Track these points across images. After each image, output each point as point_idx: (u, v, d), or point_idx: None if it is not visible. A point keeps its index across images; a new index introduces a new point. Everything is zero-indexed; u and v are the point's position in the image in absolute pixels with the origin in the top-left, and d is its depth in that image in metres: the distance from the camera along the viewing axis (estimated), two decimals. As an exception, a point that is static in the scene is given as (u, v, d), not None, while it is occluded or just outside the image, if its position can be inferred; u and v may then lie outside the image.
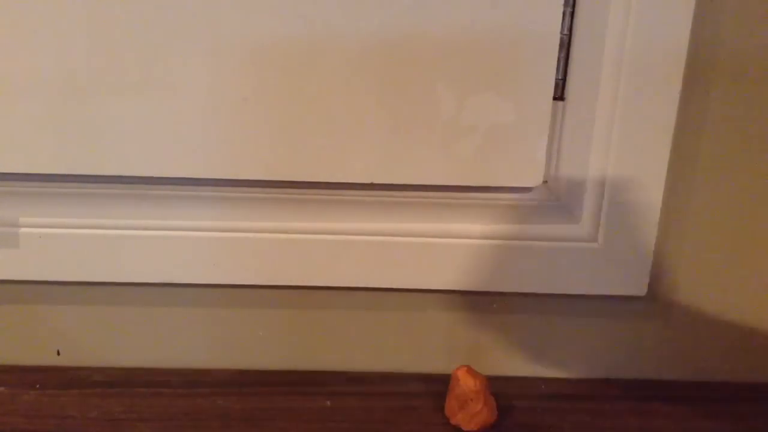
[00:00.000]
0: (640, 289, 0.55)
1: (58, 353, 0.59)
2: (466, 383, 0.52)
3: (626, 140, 0.51)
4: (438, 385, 0.56)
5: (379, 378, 0.59)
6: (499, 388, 0.56)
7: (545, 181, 0.53)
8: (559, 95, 0.51)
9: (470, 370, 0.52)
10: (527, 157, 0.51)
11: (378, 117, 0.50)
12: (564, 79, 0.51)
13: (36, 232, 0.54)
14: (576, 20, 0.49)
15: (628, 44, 0.48)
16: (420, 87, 0.49)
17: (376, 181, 0.52)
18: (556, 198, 0.54)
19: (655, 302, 0.58)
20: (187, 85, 0.49)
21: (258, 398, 0.56)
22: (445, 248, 0.54)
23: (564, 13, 0.49)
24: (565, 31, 0.50)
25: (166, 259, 0.54)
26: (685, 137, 0.53)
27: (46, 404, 0.55)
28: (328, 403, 0.56)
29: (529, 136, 0.51)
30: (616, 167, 0.51)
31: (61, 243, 0.54)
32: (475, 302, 0.58)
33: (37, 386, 0.57)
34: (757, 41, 0.50)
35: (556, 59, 0.49)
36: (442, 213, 0.54)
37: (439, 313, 0.58)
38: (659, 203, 0.53)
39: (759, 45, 0.50)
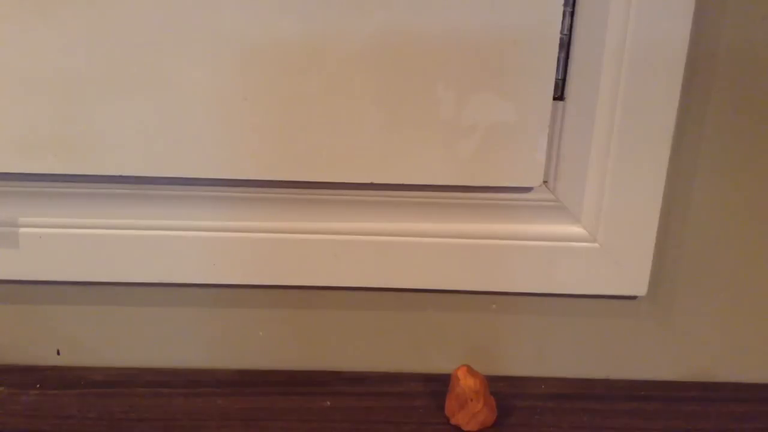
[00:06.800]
0: (640, 289, 0.55)
1: (58, 353, 0.59)
2: (466, 383, 0.52)
3: (626, 140, 0.51)
4: (438, 385, 0.56)
5: (379, 378, 0.59)
6: (499, 388, 0.56)
7: (545, 181, 0.54)
8: (559, 95, 0.51)
9: (470, 370, 0.52)
10: (527, 157, 0.51)
11: (378, 116, 0.50)
12: (564, 79, 0.51)
13: (36, 232, 0.54)
14: (576, 20, 0.49)
15: (628, 44, 0.48)
16: (420, 87, 0.49)
17: (376, 181, 0.52)
18: (556, 198, 0.54)
19: (655, 302, 0.58)
20: (186, 85, 0.49)
21: (258, 398, 0.56)
22: (445, 248, 0.54)
23: (564, 13, 0.49)
24: (565, 31, 0.50)
25: (165, 259, 0.54)
26: (685, 137, 0.53)
27: (46, 404, 0.55)
28: (328, 403, 0.56)
29: (529, 136, 0.51)
30: (616, 167, 0.51)
31: (61, 243, 0.54)
32: (475, 302, 0.58)
33: (37, 386, 0.57)
34: (757, 41, 0.50)
35: (556, 59, 0.49)
36: (442, 213, 0.54)
37: (439, 313, 0.58)
38: (659, 203, 0.53)
39: (759, 45, 0.50)
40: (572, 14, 0.49)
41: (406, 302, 0.58)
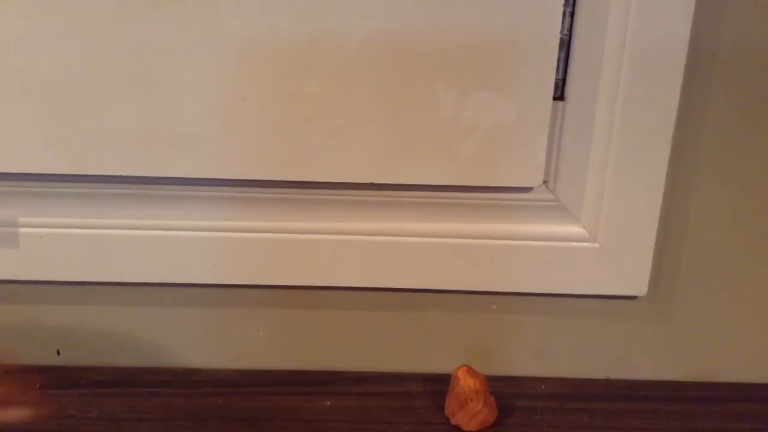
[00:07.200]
0: (640, 289, 0.55)
1: (58, 353, 0.59)
2: (466, 383, 0.52)
3: (626, 140, 0.51)
4: (438, 385, 0.56)
5: (379, 378, 0.59)
6: (499, 388, 0.56)
7: (545, 181, 0.54)
8: (559, 95, 0.51)
9: (470, 370, 0.52)
10: (527, 157, 0.51)
11: (378, 117, 0.50)
12: (564, 79, 0.51)
13: (36, 232, 0.54)
14: (576, 20, 0.49)
15: (628, 44, 0.48)
16: (420, 87, 0.49)
17: (376, 181, 0.52)
18: (556, 198, 0.54)
19: (655, 302, 0.58)
20: (186, 84, 0.49)
21: (258, 398, 0.56)
22: (445, 248, 0.54)
23: (564, 13, 0.49)
24: (565, 31, 0.50)
25: (166, 259, 0.54)
26: (685, 137, 0.53)
27: (46, 404, 0.55)
28: (328, 403, 0.56)
29: (529, 136, 0.51)
30: (616, 167, 0.51)
31: (61, 243, 0.54)
32: (475, 302, 0.58)
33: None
34: (758, 41, 0.50)
35: (556, 59, 0.49)
36: (442, 213, 0.54)
37: (439, 313, 0.58)
38: (659, 203, 0.53)
39: (759, 45, 0.50)
40: (572, 14, 0.49)
41: (406, 302, 0.58)
